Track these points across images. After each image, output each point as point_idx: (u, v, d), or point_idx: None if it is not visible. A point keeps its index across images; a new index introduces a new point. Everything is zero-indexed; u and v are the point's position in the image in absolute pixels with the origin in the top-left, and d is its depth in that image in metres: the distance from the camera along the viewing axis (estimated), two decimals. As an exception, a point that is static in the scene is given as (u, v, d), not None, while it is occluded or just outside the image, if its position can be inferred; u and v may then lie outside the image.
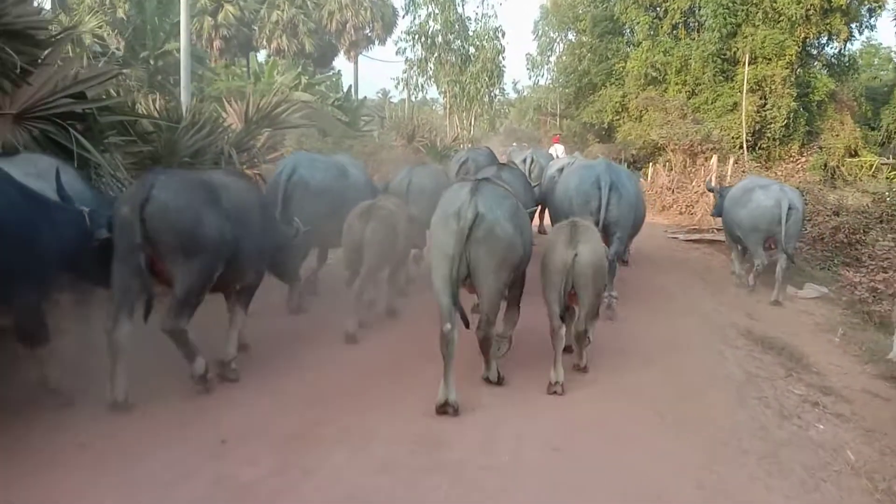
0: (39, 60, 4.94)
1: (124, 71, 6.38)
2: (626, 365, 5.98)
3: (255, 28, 36.64)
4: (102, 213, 4.53)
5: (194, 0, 34.91)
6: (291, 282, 6.83)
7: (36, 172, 4.38)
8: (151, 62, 20.51)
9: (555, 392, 5.18)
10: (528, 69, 36.67)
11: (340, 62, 42.88)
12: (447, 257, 4.73)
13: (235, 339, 5.33)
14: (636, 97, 23.51)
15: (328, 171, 7.37)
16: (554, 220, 8.62)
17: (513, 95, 38.11)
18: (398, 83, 23.40)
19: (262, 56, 34.34)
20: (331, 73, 28.16)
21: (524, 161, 13.01)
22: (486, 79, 19.91)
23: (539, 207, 10.10)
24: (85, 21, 16.81)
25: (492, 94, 22.42)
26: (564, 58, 29.31)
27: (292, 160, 7.34)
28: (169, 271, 4.48)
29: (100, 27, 23.19)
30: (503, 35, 24.54)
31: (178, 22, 26.12)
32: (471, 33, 21.68)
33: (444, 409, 4.71)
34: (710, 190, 12.52)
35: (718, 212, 10.88)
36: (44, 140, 4.51)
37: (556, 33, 31.89)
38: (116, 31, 22.05)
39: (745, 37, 21.68)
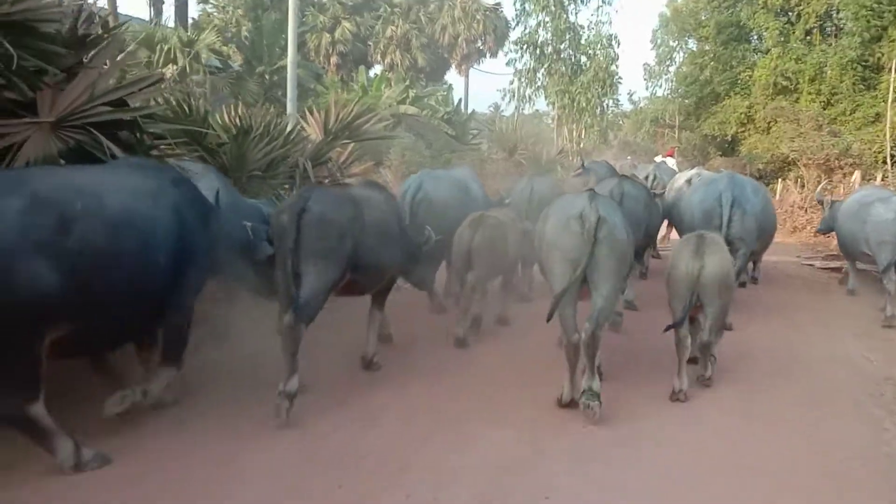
0: (84, 61, 4.66)
1: (163, 76, 6.06)
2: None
3: (371, 44, 37.33)
4: (262, 227, 5.13)
5: (314, 18, 36.26)
6: (426, 288, 7.17)
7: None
8: (267, 77, 21.11)
9: (678, 399, 5.31)
10: (644, 79, 35.20)
11: (452, 76, 42.83)
12: (569, 261, 5.03)
13: (374, 336, 5.93)
14: (764, 108, 21.77)
15: (451, 188, 7.84)
16: (680, 235, 8.70)
17: (628, 107, 36.74)
18: (504, 94, 22.89)
19: (378, 71, 34.93)
20: (440, 87, 27.94)
21: (646, 177, 12.15)
22: (598, 88, 18.94)
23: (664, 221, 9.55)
24: (201, 38, 17.46)
25: (604, 104, 21.40)
26: (685, 67, 27.83)
27: (418, 178, 7.85)
28: (303, 274, 4.84)
29: (223, 44, 24.27)
30: (618, 43, 23.69)
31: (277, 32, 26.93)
32: (583, 42, 20.77)
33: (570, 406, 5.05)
34: (820, 202, 11.11)
35: (826, 227, 10.06)
36: (79, 151, 4.20)
37: (676, 41, 30.39)
38: (234, 48, 22.94)
39: (893, 41, 19.58)
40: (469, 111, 30.26)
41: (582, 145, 23.20)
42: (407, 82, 22.29)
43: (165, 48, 16.42)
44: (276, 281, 4.96)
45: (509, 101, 23.09)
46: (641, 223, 7.75)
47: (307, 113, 8.71)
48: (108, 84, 4.58)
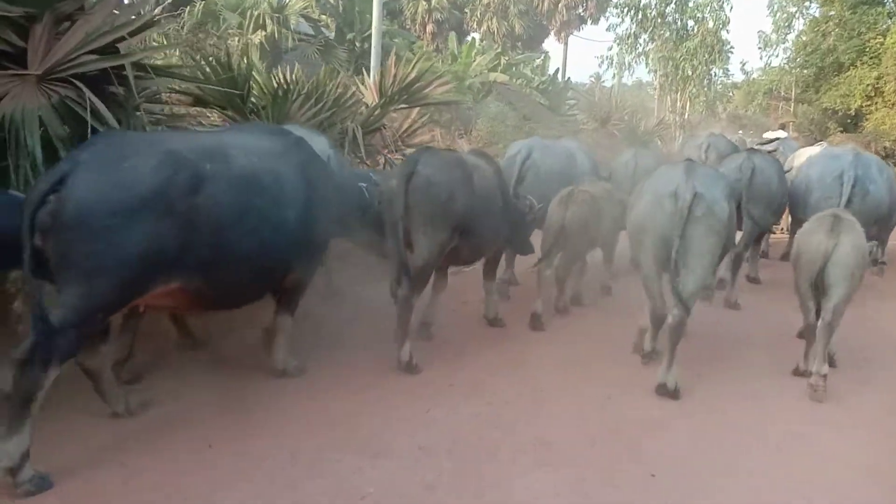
0: (83, 8, 4.17)
1: (159, 17, 5.26)
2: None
3: (467, 11, 36.47)
4: (372, 189, 5.27)
5: (410, -15, 35.76)
6: (526, 254, 7.13)
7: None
8: (357, 45, 20.80)
9: (815, 388, 4.87)
10: (759, 48, 32.60)
11: (551, 44, 41.42)
12: (661, 239, 4.85)
13: (492, 303, 6.21)
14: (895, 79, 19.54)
15: (559, 158, 7.74)
16: (792, 214, 8.28)
17: (739, 77, 34.23)
18: (602, 62, 21.40)
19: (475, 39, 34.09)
20: (534, 55, 26.86)
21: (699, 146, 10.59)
22: (706, 55, 17.36)
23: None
24: (291, 3, 17.30)
25: (711, 73, 19.72)
26: (805, 35, 25.43)
27: (528, 145, 7.73)
28: (413, 240, 4.97)
29: (316, 11, 24.15)
30: (730, 7, 21.70)
31: (384, 4, 26.44)
32: (690, 4, 19.10)
33: (662, 389, 4.84)
34: None
35: None
36: (62, 107, 3.71)
37: (796, 7, 27.84)
38: (329, 15, 22.73)
39: None
40: (566, 80, 29.07)
41: (686, 117, 21.64)
42: (498, 49, 21.42)
43: (255, 14, 16.36)
44: (388, 246, 5.04)
45: (607, 69, 21.77)
46: (774, 201, 7.56)
47: (365, 76, 8.18)
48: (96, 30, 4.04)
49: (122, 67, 3.96)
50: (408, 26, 35.39)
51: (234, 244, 3.85)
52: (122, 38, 4.08)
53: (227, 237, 3.80)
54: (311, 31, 19.90)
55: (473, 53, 19.12)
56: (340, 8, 20.32)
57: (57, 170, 3.35)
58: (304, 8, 17.51)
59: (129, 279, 3.47)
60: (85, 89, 3.70)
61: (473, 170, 5.37)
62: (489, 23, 35.43)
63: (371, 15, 21.29)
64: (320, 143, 5.24)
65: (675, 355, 4.84)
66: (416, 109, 7.76)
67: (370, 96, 7.62)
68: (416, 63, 8.01)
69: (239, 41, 16.11)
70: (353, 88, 7.78)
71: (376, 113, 6.89)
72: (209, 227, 3.69)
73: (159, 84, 4.44)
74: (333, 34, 21.21)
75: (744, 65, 45.58)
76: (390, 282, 5.06)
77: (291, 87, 6.03)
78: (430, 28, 35.63)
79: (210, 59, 5.89)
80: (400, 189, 4.84)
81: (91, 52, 3.90)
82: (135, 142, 3.70)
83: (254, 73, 6.31)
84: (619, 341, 5.73)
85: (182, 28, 16.29)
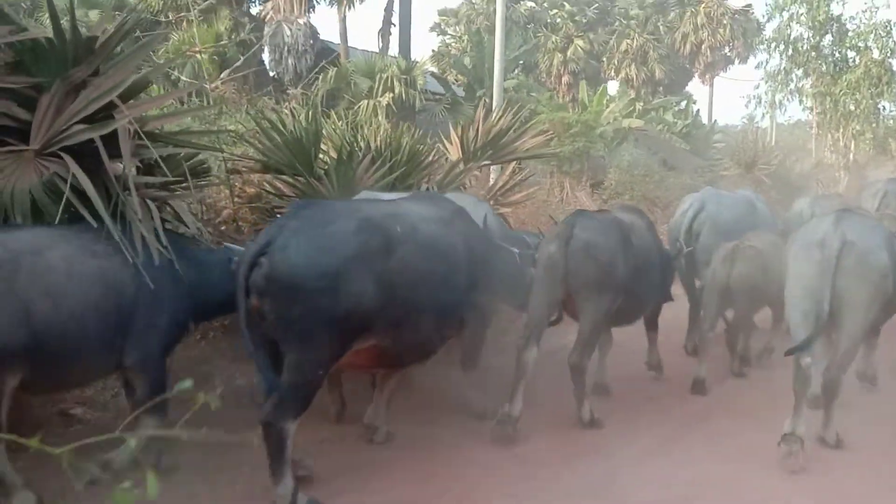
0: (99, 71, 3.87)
1: (153, 73, 4.82)
2: None
3: (604, 60, 35.80)
4: (528, 253, 5.33)
5: (546, 39, 35.68)
6: (666, 301, 6.82)
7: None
8: (487, 101, 20.73)
9: None
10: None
11: (695, 87, 39.63)
12: (808, 290, 4.62)
13: (655, 349, 6.26)
14: None
15: (735, 208, 7.45)
16: None
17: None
18: (749, 101, 19.75)
19: (612, 88, 33.32)
20: (672, 99, 25.53)
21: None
22: (871, 88, 15.42)
23: None
24: (419, 65, 17.54)
25: (878, 107, 17.48)
26: None
27: (699, 197, 7.50)
28: (578, 306, 5.10)
29: (447, 70, 24.52)
30: None
31: (515, 58, 26.28)
32: (850, 34, 17.14)
33: (789, 441, 4.58)
34: None
35: None
36: (51, 184, 3.37)
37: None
38: (460, 73, 22.96)
39: None
40: (713, 123, 27.38)
41: (851, 157, 19.44)
42: (632, 95, 20.49)
43: (384, 76, 16.71)
44: (531, 312, 5.11)
45: (755, 108, 20.07)
46: None
47: (452, 131, 7.60)
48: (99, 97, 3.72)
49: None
50: (543, 79, 35.25)
51: (419, 303, 4.08)
52: (112, 104, 3.69)
53: (414, 296, 4.03)
54: (441, 90, 20.12)
55: (605, 101, 18.32)
56: (470, 66, 20.40)
57: (264, 234, 3.73)
58: (432, 68, 17.70)
59: (340, 336, 3.78)
60: (71, 162, 3.41)
61: (630, 229, 5.41)
62: (627, 70, 34.47)
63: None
64: (480, 209, 5.43)
65: (833, 413, 4.71)
66: (513, 164, 7.16)
67: (454, 153, 7.07)
68: (501, 115, 7.34)
69: (367, 104, 16.46)
70: (436, 146, 7.29)
71: (455, 171, 6.32)
72: (400, 287, 3.93)
73: (162, 150, 4.00)
74: (464, 92, 21.34)
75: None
76: (519, 343, 5.04)
77: (356, 148, 5.65)
78: (565, 80, 35.24)
79: (272, 122, 5.66)
80: (559, 254, 4.90)
81: (81, 121, 3.63)
82: (334, 209, 4.06)
83: (323, 134, 6.02)
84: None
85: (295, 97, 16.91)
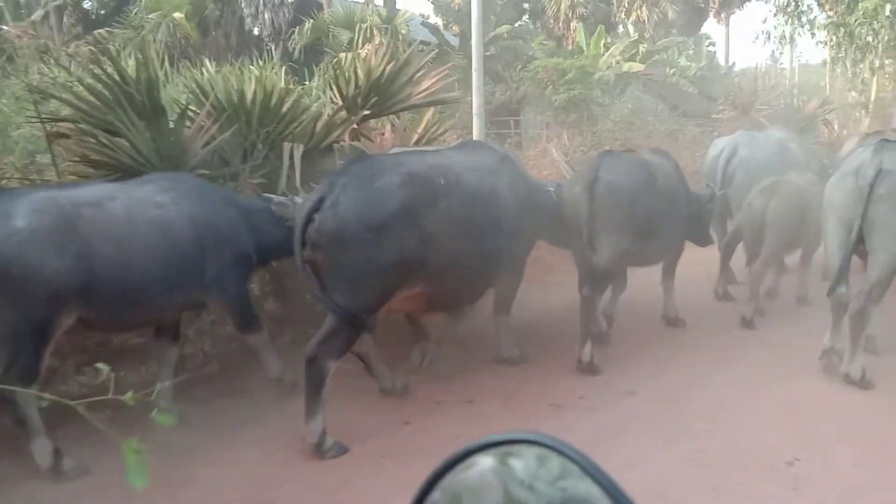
0: None
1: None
2: None
3: (614, 2, 34.09)
4: (559, 192, 5.47)
5: (552, -17, 34.01)
6: (705, 245, 6.87)
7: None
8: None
9: None
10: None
11: (711, 27, 37.91)
12: (842, 220, 4.64)
13: (671, 303, 6.33)
14: None
15: (769, 149, 7.40)
16: None
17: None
18: (757, 37, 18.19)
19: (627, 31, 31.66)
20: (675, 39, 24.11)
21: None
22: (892, 16, 14.01)
23: None
24: (402, 12, 16.52)
25: (897, 35, 15.98)
26: None
27: (731, 140, 7.49)
28: (596, 244, 5.13)
29: (447, 22, 23.34)
30: None
31: (517, 2, 24.97)
32: None
33: (829, 355, 4.89)
34: None
35: None
36: None
37: None
38: (452, 20, 21.82)
39: None
40: (730, 65, 25.94)
41: (873, 95, 18.11)
42: (634, 36, 19.30)
43: (364, 27, 15.76)
44: (573, 251, 5.40)
45: (764, 45, 18.71)
46: None
47: (337, 74, 6.50)
48: None
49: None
50: (550, 25, 33.71)
51: (463, 252, 4.32)
52: None
53: (458, 245, 4.28)
54: (433, 39, 19.07)
55: (602, 44, 17.17)
56: (459, 10, 19.33)
57: (317, 191, 4.02)
58: (438, 20, 16.65)
59: (385, 284, 4.05)
60: None
61: (656, 170, 5.45)
62: (638, 12, 32.66)
63: (494, 16, 20.17)
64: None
65: (858, 346, 4.70)
66: (429, 114, 6.28)
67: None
68: (384, 56, 6.24)
69: (346, 57, 15.57)
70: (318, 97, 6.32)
71: (326, 126, 5.41)
72: (444, 237, 4.18)
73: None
74: (458, 40, 20.28)
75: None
76: (578, 282, 5.28)
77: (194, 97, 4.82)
78: (573, 25, 33.61)
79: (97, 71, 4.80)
80: (584, 195, 5.02)
81: None
82: (381, 164, 4.24)
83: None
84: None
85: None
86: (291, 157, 4.90)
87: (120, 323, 4.16)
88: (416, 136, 6.17)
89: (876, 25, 13.91)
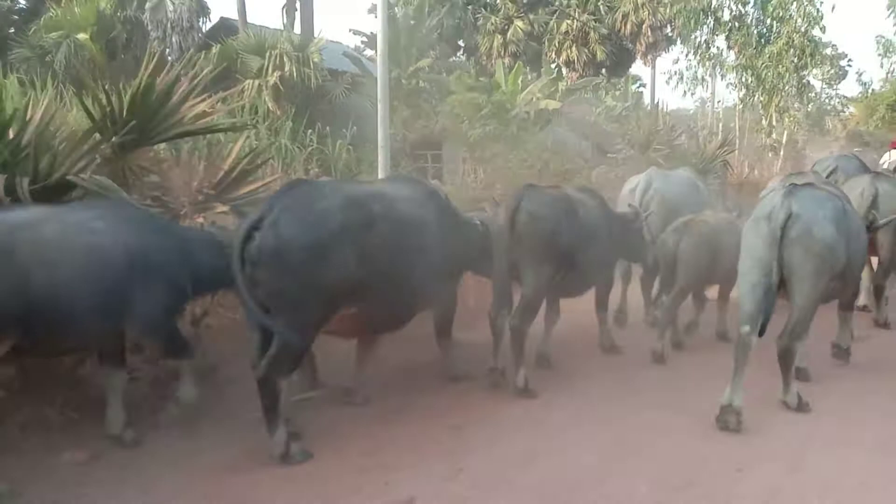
0: None
1: None
2: None
3: (545, 41, 34.66)
4: (487, 224, 5.61)
5: (485, 20, 34.42)
6: (644, 261, 6.99)
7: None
8: (404, 82, 19.33)
9: None
10: (879, 55, 28.51)
11: (640, 68, 38.88)
12: (756, 261, 4.75)
13: (606, 333, 6.49)
14: None
15: (681, 186, 7.83)
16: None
17: (857, 90, 30.09)
18: (669, 78, 18.63)
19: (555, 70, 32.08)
20: (594, 80, 24.47)
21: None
22: (794, 60, 14.31)
23: None
24: (315, 41, 16.09)
25: (805, 81, 16.30)
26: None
27: (645, 176, 7.78)
28: (521, 273, 5.38)
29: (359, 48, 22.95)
30: (829, 5, 18.09)
31: (441, 36, 24.86)
32: (772, 2, 15.82)
33: (726, 413, 4.66)
34: None
35: None
36: None
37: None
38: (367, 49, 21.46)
39: None
40: (655, 104, 26.37)
41: (785, 137, 18.50)
42: (553, 74, 19.32)
43: (274, 54, 15.27)
44: (494, 279, 5.50)
45: (676, 85, 19.18)
46: None
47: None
48: None
49: None
50: (483, 62, 33.97)
51: (396, 274, 4.49)
52: None
53: (391, 267, 4.44)
54: (353, 69, 18.63)
55: (520, 80, 17.07)
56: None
57: (258, 211, 4.13)
58: (371, 51, 16.19)
59: (325, 302, 4.19)
60: None
61: (578, 204, 5.65)
62: (568, 52, 33.36)
63: (416, 49, 19.94)
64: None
65: (790, 379, 5.00)
66: (240, 143, 5.61)
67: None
68: (144, 72, 4.92)
69: (252, 84, 15.00)
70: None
71: (71, 153, 4.54)
72: (379, 259, 4.34)
73: None
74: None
75: (860, 75, 40.91)
76: (491, 310, 5.49)
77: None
78: (506, 62, 33.95)
79: None
80: (506, 224, 5.23)
81: None
82: (320, 188, 4.51)
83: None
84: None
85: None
86: (14, 192, 4.14)
87: (53, 349, 4.15)
88: (221, 173, 5.33)
89: (781, 69, 14.21)
